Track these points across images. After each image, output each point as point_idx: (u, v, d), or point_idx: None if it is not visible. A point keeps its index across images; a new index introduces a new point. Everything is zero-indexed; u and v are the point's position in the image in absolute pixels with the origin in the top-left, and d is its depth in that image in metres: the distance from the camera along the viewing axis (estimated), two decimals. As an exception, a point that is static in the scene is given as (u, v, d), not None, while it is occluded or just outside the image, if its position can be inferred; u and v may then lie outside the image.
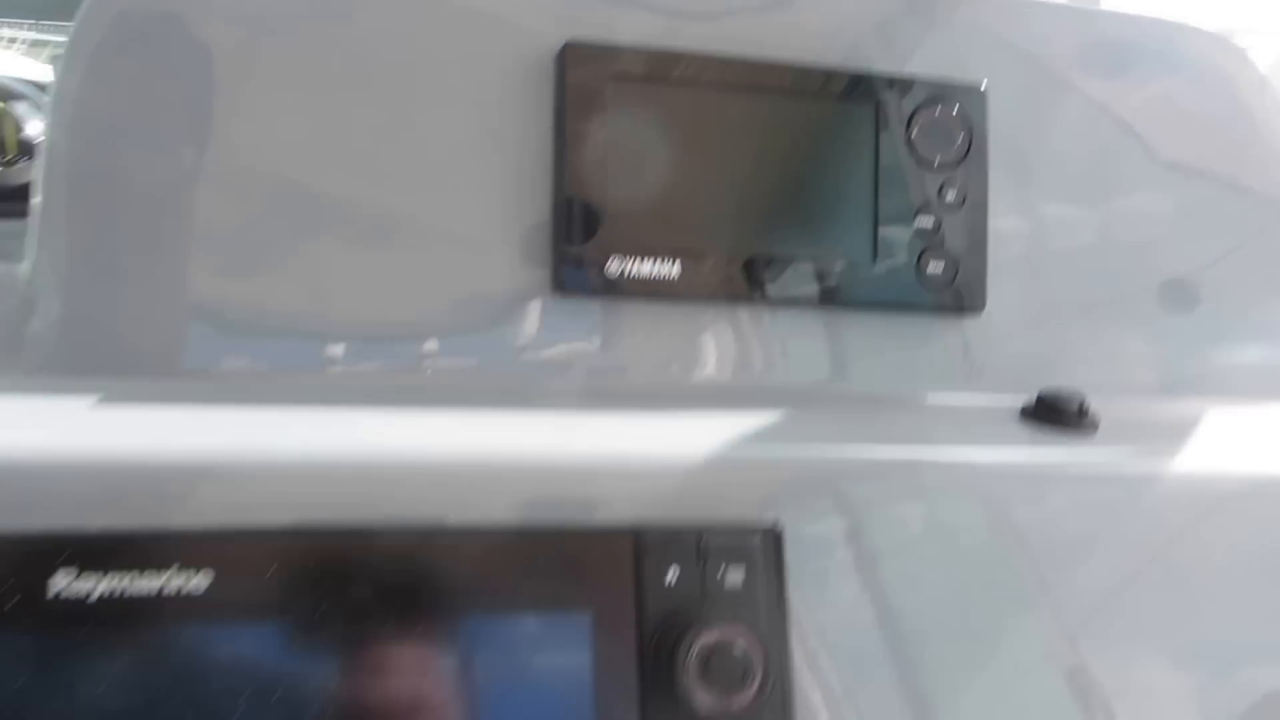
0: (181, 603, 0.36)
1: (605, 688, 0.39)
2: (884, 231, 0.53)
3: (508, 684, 0.39)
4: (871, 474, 0.46)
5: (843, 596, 0.44)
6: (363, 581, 0.37)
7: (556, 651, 0.40)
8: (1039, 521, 0.48)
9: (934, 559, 0.46)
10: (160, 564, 0.36)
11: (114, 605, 0.35)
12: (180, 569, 0.36)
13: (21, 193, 0.48)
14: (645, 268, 0.48)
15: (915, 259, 0.53)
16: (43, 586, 0.35)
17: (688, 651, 0.39)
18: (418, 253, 0.47)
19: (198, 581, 0.36)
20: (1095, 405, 0.52)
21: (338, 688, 0.37)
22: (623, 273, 0.48)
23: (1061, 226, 0.59)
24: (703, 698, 0.39)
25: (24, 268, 0.43)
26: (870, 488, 0.45)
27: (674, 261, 0.49)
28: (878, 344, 0.54)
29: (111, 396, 0.40)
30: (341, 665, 0.37)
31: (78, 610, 0.35)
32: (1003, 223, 0.56)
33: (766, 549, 0.42)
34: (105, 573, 0.36)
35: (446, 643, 0.38)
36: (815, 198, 0.52)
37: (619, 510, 0.41)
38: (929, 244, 0.54)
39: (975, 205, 0.55)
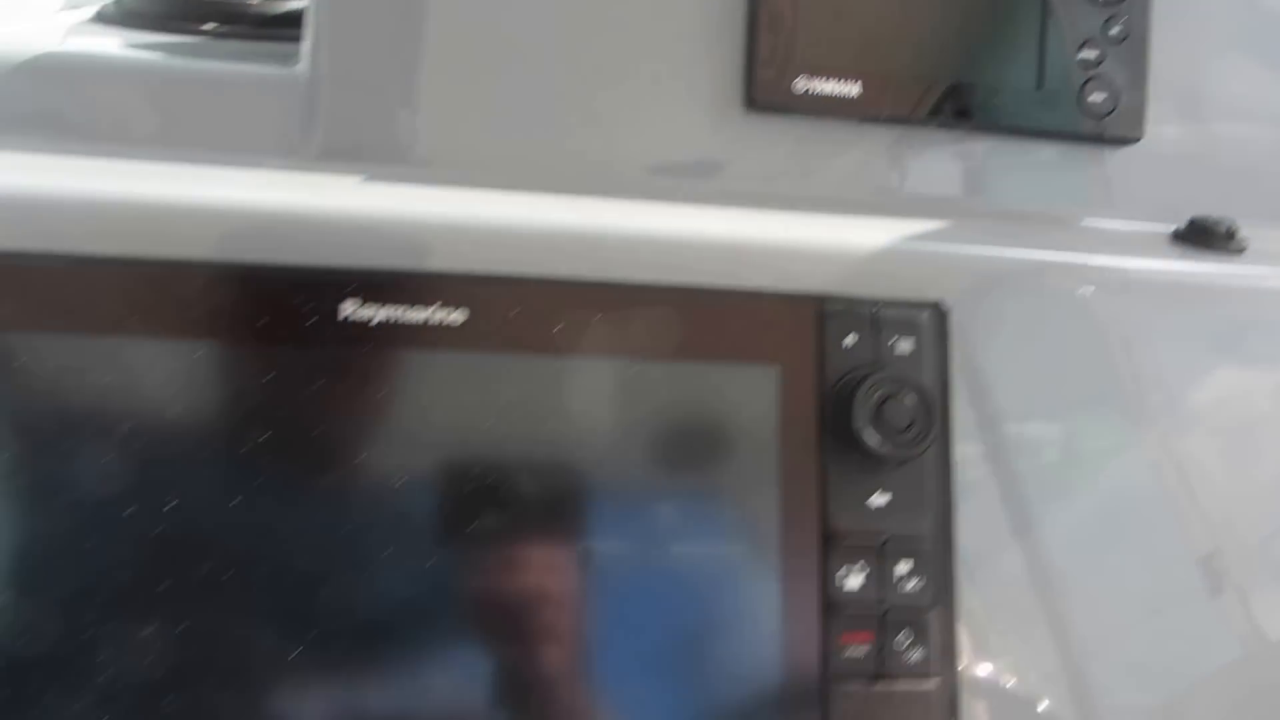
0: (442, 332, 0.43)
1: (789, 429, 0.46)
2: (1050, 60, 0.56)
3: (703, 425, 0.45)
4: (1029, 272, 0.50)
5: (997, 380, 0.49)
6: (590, 322, 0.44)
7: (747, 398, 0.46)
8: (1185, 329, 0.52)
9: (1080, 359, 0.50)
10: (426, 300, 0.43)
11: (390, 330, 0.43)
12: (441, 305, 0.44)
13: (292, 19, 0.55)
14: (829, 86, 0.53)
15: (1078, 88, 0.57)
16: (335, 310, 0.43)
17: (865, 399, 0.45)
18: (615, 71, 0.52)
19: (455, 317, 0.44)
20: (1245, 232, 0.55)
21: (564, 407, 0.44)
22: (808, 91, 0.53)
23: (1221, 68, 0.61)
24: (874, 438, 0.45)
25: (300, 70, 0.50)
26: (1027, 283, 0.50)
27: (856, 81, 0.54)
28: (1037, 169, 0.58)
29: (378, 176, 0.48)
30: (568, 388, 0.44)
31: (362, 332, 0.43)
32: (1161, 58, 0.59)
33: (934, 324, 0.47)
34: (383, 304, 0.43)
35: (651, 380, 0.45)
36: (987, 26, 0.56)
37: (805, 283, 0.47)
38: (1092, 75, 0.57)
39: (1137, 40, 0.58)
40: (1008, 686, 0.48)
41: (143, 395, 0.41)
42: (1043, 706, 0.48)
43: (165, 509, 0.40)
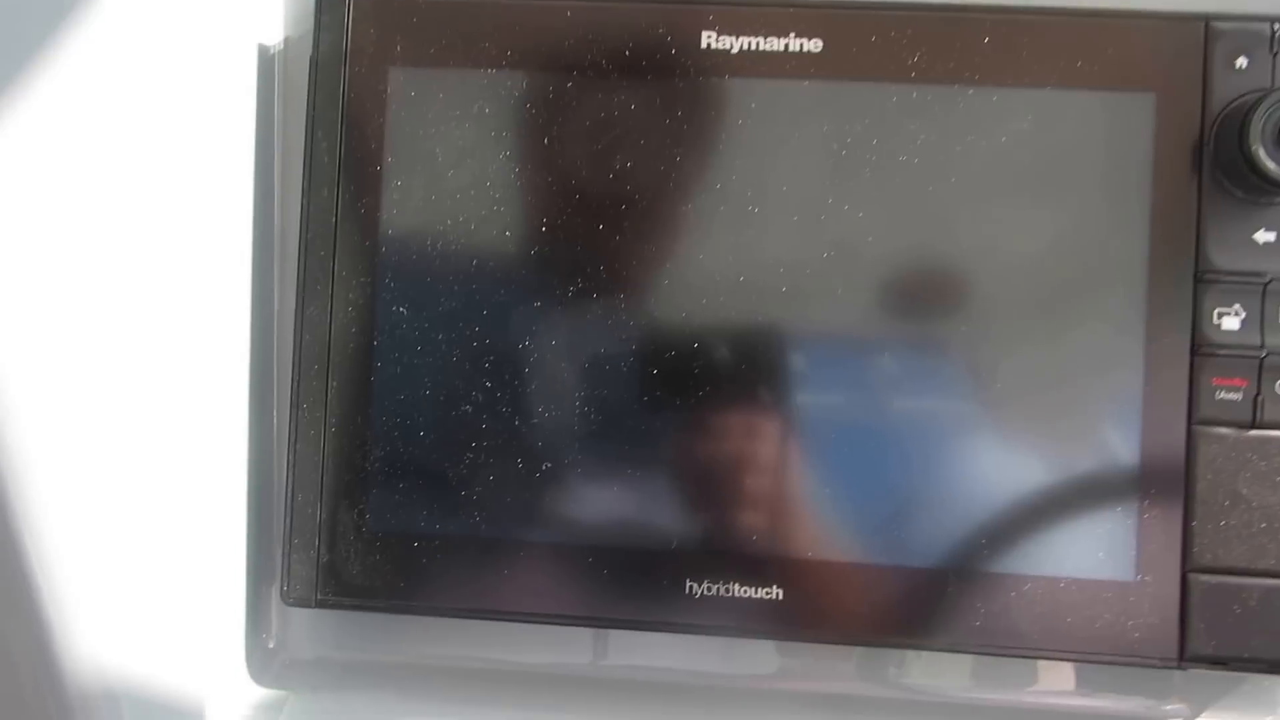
0: (800, 60, 0.43)
1: (1164, 160, 0.43)
2: None
3: (1069, 156, 0.43)
4: None
5: None
6: (949, 49, 0.43)
7: (1118, 128, 0.43)
8: None
9: None
10: (782, 31, 0.43)
11: (749, 57, 0.43)
12: (796, 36, 0.44)
13: None
14: None
15: None
16: (697, 39, 0.43)
17: (1262, 121, 0.41)
18: None
19: (812, 45, 0.43)
20: None
21: (923, 136, 0.43)
22: None
23: None
24: (1273, 162, 0.41)
25: None
26: None
27: None
28: None
29: None
30: (927, 116, 0.43)
31: (723, 59, 0.43)
32: None
33: (1341, 43, 0.43)
34: (739, 35, 0.44)
35: (1012, 108, 0.43)
36: None
37: (1189, 3, 0.43)
38: None
39: None
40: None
41: (519, 126, 0.44)
42: None
43: (542, 228, 0.43)
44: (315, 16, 0.45)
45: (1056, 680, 0.47)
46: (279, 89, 0.47)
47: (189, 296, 0.43)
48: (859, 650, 0.47)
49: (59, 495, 0.38)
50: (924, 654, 0.47)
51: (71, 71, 0.38)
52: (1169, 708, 0.47)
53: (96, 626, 0.37)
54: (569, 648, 0.48)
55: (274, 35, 0.47)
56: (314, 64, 0.45)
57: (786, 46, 0.43)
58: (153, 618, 0.40)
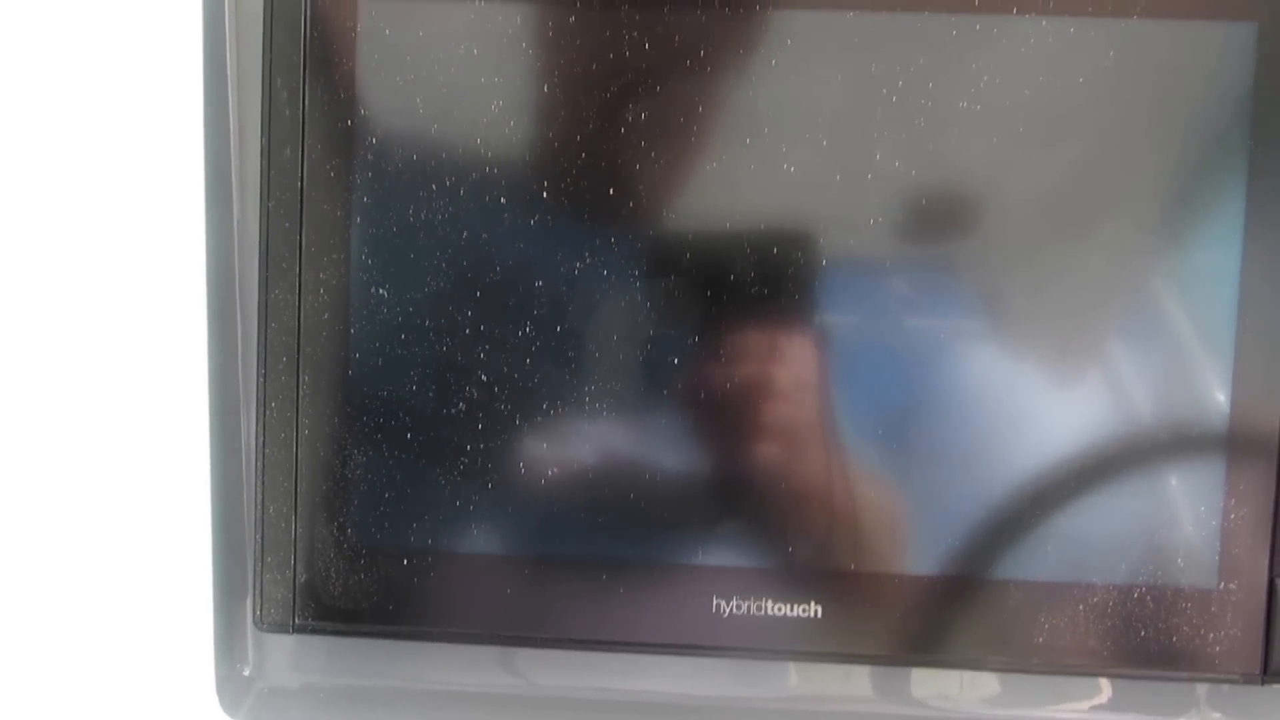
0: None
1: (1266, 93, 0.37)
2: None
3: (1168, 89, 0.37)
4: None
5: None
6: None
7: (1220, 59, 0.37)
8: None
9: None
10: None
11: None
12: None
13: None
14: None
15: None
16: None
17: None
18: None
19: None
20: None
21: (1008, 70, 0.37)
22: None
23: None
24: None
25: None
26: None
27: None
28: None
29: None
30: (1012, 48, 0.37)
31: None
32: None
33: None
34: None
35: (1108, 39, 0.37)
36: None
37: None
38: None
39: None
40: None
41: (515, 68, 0.37)
42: None
43: (543, 193, 0.37)
44: None
45: (1091, 695, 0.43)
46: (230, 29, 0.40)
47: (135, 282, 0.37)
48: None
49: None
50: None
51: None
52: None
53: (47, 663, 0.32)
54: (571, 671, 0.43)
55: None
56: (269, 3, 0.38)
57: None
58: (111, 645, 0.35)
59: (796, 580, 0.39)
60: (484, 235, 0.38)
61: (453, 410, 0.38)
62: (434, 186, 0.38)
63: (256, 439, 0.39)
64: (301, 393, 0.39)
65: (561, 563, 0.39)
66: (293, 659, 0.43)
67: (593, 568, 0.39)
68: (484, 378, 0.38)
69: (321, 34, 0.38)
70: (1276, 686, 0.40)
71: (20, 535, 0.34)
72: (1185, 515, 0.39)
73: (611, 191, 0.38)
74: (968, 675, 0.43)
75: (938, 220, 0.38)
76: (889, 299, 0.38)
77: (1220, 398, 0.39)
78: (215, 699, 0.41)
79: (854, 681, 0.43)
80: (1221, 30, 0.37)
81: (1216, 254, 0.38)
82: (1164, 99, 0.38)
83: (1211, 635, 0.39)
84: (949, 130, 0.38)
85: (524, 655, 0.42)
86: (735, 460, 0.39)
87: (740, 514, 0.39)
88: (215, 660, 0.41)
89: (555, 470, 0.39)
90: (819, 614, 0.39)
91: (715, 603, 0.39)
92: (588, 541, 0.39)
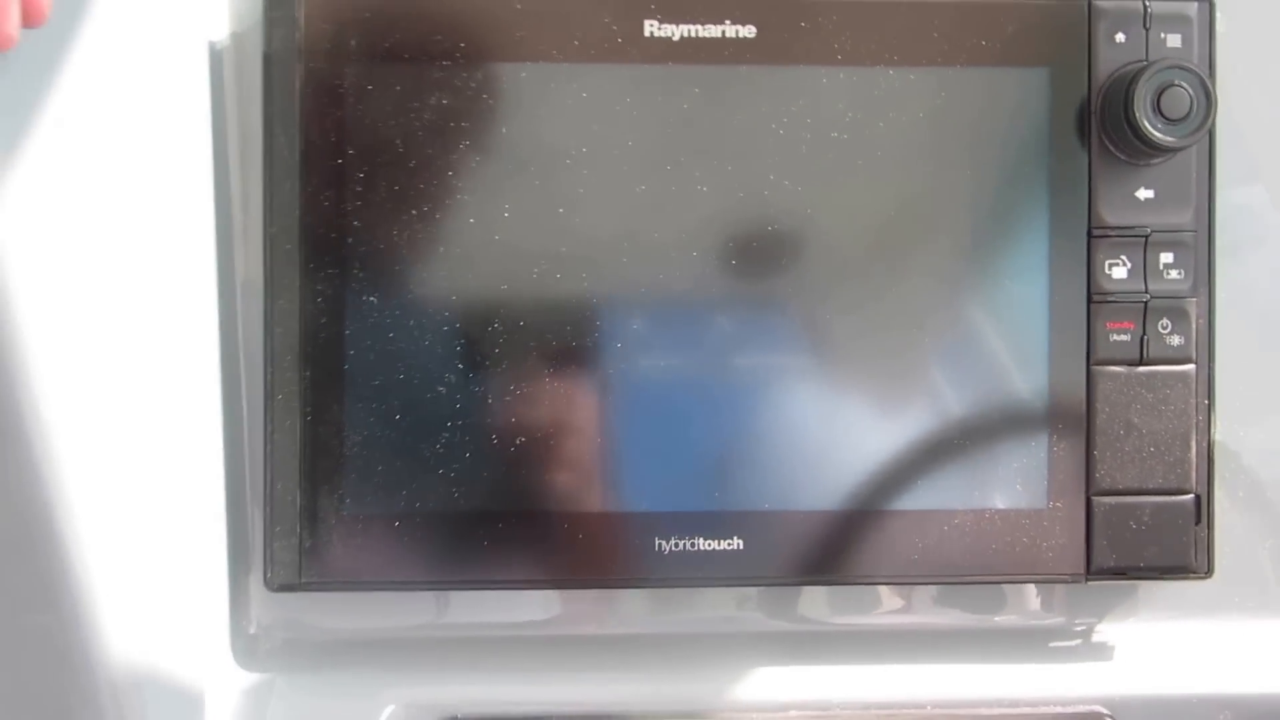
0: (735, 45, 0.46)
1: (1059, 129, 0.48)
2: None
3: (977, 128, 0.48)
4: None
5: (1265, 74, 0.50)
6: (869, 34, 0.47)
7: (1019, 100, 0.48)
8: None
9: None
10: (718, 18, 0.46)
11: (690, 43, 0.46)
12: (731, 23, 0.47)
13: None
14: None
15: None
16: (640, 28, 0.46)
17: (1144, 90, 0.46)
18: None
19: (747, 32, 0.47)
20: None
21: (846, 115, 0.47)
22: None
23: None
24: (1154, 126, 0.46)
25: None
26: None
27: None
28: None
29: None
30: (850, 97, 0.47)
31: (665, 46, 0.46)
32: None
33: (1201, 20, 0.48)
34: (679, 24, 0.46)
35: (926, 86, 0.47)
36: None
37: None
38: None
39: None
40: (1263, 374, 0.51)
41: (476, 115, 0.46)
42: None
43: (504, 213, 0.46)
44: (264, 13, 0.45)
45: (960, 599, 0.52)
46: (230, 86, 0.47)
47: (157, 295, 0.43)
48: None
49: (50, 498, 0.38)
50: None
51: (24, 74, 0.38)
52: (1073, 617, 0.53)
53: (111, 623, 0.38)
54: (538, 609, 0.50)
55: (221, 32, 0.47)
56: (267, 60, 0.45)
57: (723, 33, 0.46)
58: (145, 611, 0.40)
59: (722, 520, 0.47)
60: (456, 251, 0.46)
61: (432, 396, 0.46)
62: (413, 212, 0.46)
63: (266, 426, 0.45)
64: (304, 386, 0.46)
65: (528, 517, 0.47)
66: (294, 617, 0.49)
67: (555, 519, 0.47)
68: (459, 367, 0.46)
69: (313, 89, 0.45)
70: (1096, 583, 0.50)
71: (67, 515, 0.39)
72: (1020, 454, 0.48)
73: (561, 219, 0.46)
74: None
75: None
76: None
77: (1040, 372, 0.48)
78: (229, 653, 0.47)
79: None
80: (1022, 75, 0.48)
81: (1028, 246, 0.48)
82: (983, 132, 0.47)
83: (1045, 545, 0.48)
84: (824, 164, 0.47)
85: (494, 596, 0.50)
86: (671, 431, 0.47)
87: (677, 470, 0.47)
88: (229, 619, 0.47)
89: (521, 441, 0.47)
90: (741, 546, 0.48)
91: (657, 542, 0.47)
92: (550, 498, 0.47)
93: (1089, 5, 0.48)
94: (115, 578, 0.38)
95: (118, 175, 0.41)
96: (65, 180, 0.38)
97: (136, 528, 0.41)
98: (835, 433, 0.48)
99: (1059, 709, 0.49)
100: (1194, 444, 0.48)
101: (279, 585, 0.46)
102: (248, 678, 0.47)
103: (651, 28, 0.46)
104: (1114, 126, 0.48)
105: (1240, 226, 0.51)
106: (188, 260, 0.46)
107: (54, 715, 0.37)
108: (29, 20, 0.34)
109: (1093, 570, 0.49)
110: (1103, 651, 0.51)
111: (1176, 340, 0.49)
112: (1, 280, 0.34)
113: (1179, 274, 0.49)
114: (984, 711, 0.49)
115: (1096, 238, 0.48)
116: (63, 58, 0.38)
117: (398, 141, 0.45)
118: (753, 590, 0.51)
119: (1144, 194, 0.49)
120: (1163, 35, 0.48)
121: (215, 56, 0.47)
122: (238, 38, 0.47)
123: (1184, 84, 0.46)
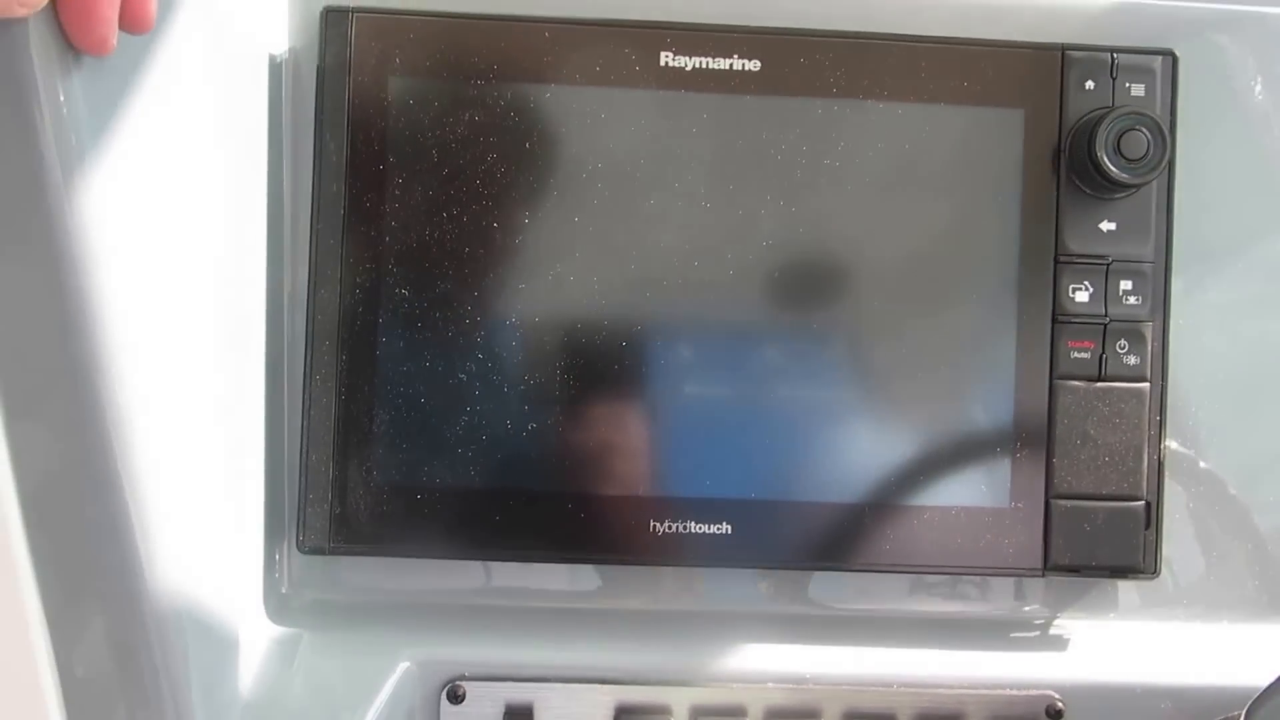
0: (741, 77, 0.51)
1: (1031, 165, 0.53)
2: None
3: (956, 161, 0.53)
4: (1255, 22, 0.56)
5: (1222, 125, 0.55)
6: (864, 70, 0.52)
7: (995, 138, 0.53)
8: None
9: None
10: (727, 52, 0.51)
11: (700, 74, 0.51)
12: (739, 57, 0.52)
13: None
14: None
15: None
16: (657, 59, 0.51)
17: (1106, 132, 0.51)
18: None
19: (751, 65, 0.52)
20: None
21: (841, 145, 0.52)
22: None
23: None
24: (1115, 165, 0.51)
25: None
26: (1256, 32, 0.55)
27: None
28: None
29: None
30: (844, 128, 0.52)
31: (679, 75, 0.51)
32: None
33: (1166, 70, 0.53)
34: (691, 56, 0.51)
35: (912, 120, 0.52)
36: None
37: (1049, 34, 0.53)
38: None
39: None
40: (1214, 392, 0.56)
41: (505, 130, 0.51)
42: (1246, 401, 0.56)
43: (525, 219, 0.51)
44: (320, 31, 0.50)
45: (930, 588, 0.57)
46: (287, 94, 0.52)
47: (215, 287, 0.48)
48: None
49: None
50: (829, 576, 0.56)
51: (116, 76, 0.42)
52: (1032, 609, 0.57)
53: (164, 570, 0.42)
54: (548, 580, 0.55)
55: (280, 46, 0.52)
56: (320, 73, 0.50)
57: (731, 66, 0.51)
58: (193, 564, 0.45)
59: (713, 506, 0.52)
60: (481, 252, 0.51)
61: (455, 382, 0.51)
62: (444, 215, 0.51)
63: (304, 403, 0.50)
64: (340, 368, 0.50)
65: (540, 496, 0.51)
66: (320, 577, 0.54)
67: (563, 499, 0.51)
68: (479, 356, 0.51)
69: (361, 101, 0.50)
70: (1054, 581, 0.55)
71: (139, 471, 0.42)
72: (986, 457, 0.53)
73: (576, 226, 0.51)
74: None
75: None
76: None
77: (1007, 384, 0.53)
78: (262, 608, 0.52)
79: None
80: (999, 114, 0.53)
81: (999, 270, 0.53)
82: (962, 165, 0.52)
83: (1006, 541, 0.53)
84: (818, 187, 0.52)
85: (504, 568, 0.54)
86: (667, 422, 0.52)
87: (672, 458, 0.52)
88: (264, 577, 0.52)
89: (532, 427, 0.51)
90: (729, 531, 0.52)
91: (652, 524, 0.52)
92: (560, 480, 0.51)
93: (1063, 55, 0.53)
94: (171, 531, 0.42)
95: (188, 171, 0.46)
96: (144, 170, 0.42)
97: (192, 491, 0.45)
98: (820, 431, 0.52)
99: (1014, 692, 0.54)
100: (1146, 455, 0.53)
101: (310, 548, 0.50)
102: (278, 630, 0.51)
103: (667, 58, 0.51)
104: (1080, 164, 0.52)
105: (1197, 258, 0.55)
106: (243, 255, 0.50)
107: (109, 646, 0.41)
108: (135, 27, 0.38)
109: (1049, 566, 0.53)
110: (1058, 643, 0.56)
111: (1133, 360, 0.53)
112: (91, 262, 0.38)
113: (1137, 300, 0.53)
114: (944, 692, 0.53)
115: (1062, 264, 0.53)
116: (145, 64, 0.42)
117: (434, 151, 0.50)
118: (742, 572, 0.55)
119: (1107, 226, 0.53)
120: (1128, 85, 0.53)
121: (275, 68, 0.52)
122: (295, 52, 0.52)
123: (1143, 129, 0.51)
